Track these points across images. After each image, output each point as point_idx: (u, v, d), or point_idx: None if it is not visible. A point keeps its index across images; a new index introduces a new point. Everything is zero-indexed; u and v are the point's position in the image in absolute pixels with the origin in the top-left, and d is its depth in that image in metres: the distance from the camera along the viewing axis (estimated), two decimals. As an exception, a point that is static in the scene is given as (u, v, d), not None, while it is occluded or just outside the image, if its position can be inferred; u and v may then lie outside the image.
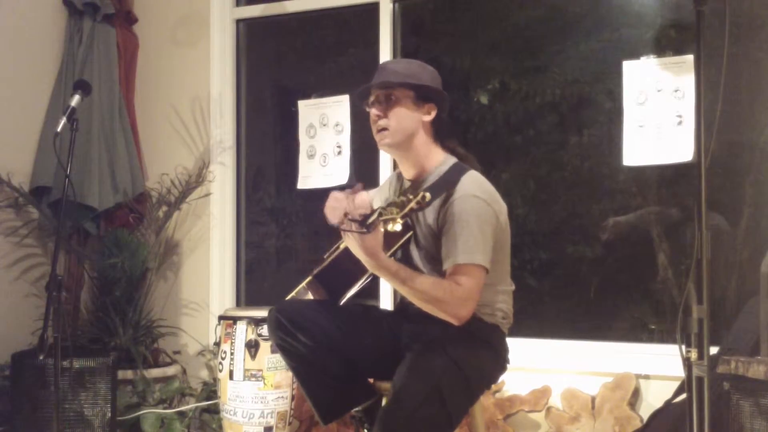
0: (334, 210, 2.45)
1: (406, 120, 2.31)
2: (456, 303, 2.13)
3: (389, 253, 2.23)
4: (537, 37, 3.54)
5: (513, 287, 2.44)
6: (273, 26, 4.01)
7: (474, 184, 2.24)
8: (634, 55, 3.10)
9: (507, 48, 3.65)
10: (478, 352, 2.26)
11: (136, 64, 4.01)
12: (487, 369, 2.33)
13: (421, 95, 2.33)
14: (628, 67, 3.09)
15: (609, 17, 3.36)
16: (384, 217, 1.97)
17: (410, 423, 2.09)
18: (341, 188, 2.45)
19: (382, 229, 2.06)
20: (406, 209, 1.93)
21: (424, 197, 1.93)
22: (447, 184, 2.23)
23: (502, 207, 2.31)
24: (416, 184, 2.37)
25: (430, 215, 2.27)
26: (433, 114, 2.35)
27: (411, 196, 1.94)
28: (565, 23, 3.45)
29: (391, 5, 3.60)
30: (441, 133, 2.39)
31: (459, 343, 2.20)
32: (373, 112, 2.34)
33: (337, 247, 2.43)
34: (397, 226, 1.97)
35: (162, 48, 4.00)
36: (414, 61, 2.42)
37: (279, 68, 4.16)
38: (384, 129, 2.32)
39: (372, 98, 2.37)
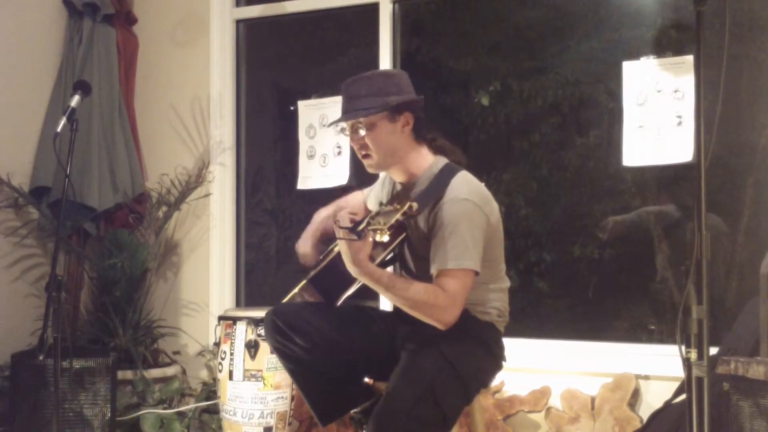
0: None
1: (386, 140, 2.27)
2: (441, 307, 2.12)
3: (384, 255, 2.23)
4: (537, 38, 3.54)
5: (508, 284, 2.41)
6: (273, 26, 4.01)
7: (464, 187, 2.21)
8: (634, 55, 3.10)
9: (508, 49, 3.65)
10: (472, 351, 2.25)
11: (136, 64, 4.01)
12: (482, 368, 2.32)
13: (394, 109, 2.26)
14: (628, 67, 3.08)
15: (609, 18, 3.36)
16: (371, 227, 1.94)
17: (404, 423, 2.08)
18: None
19: (371, 239, 2.04)
20: (392, 221, 1.90)
21: (411, 207, 1.90)
22: (437, 188, 2.20)
23: (493, 208, 2.27)
24: (408, 186, 2.35)
25: (421, 219, 2.25)
26: (411, 122, 2.29)
27: (398, 206, 1.91)
28: (566, 24, 3.45)
29: (391, 6, 3.60)
30: (421, 132, 2.34)
31: (453, 343, 2.19)
32: (352, 143, 2.32)
33: (331, 250, 2.42)
34: (385, 237, 1.92)
35: (162, 48, 4.00)
36: (376, 74, 2.33)
37: (279, 68, 4.15)
38: (367, 155, 2.30)
39: (345, 125, 2.32)
